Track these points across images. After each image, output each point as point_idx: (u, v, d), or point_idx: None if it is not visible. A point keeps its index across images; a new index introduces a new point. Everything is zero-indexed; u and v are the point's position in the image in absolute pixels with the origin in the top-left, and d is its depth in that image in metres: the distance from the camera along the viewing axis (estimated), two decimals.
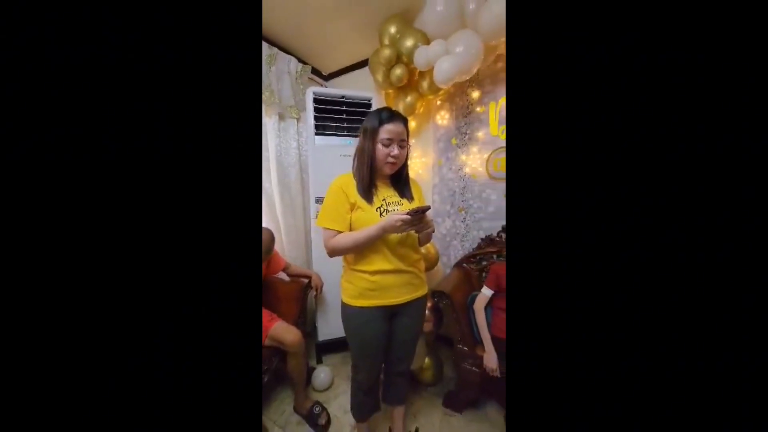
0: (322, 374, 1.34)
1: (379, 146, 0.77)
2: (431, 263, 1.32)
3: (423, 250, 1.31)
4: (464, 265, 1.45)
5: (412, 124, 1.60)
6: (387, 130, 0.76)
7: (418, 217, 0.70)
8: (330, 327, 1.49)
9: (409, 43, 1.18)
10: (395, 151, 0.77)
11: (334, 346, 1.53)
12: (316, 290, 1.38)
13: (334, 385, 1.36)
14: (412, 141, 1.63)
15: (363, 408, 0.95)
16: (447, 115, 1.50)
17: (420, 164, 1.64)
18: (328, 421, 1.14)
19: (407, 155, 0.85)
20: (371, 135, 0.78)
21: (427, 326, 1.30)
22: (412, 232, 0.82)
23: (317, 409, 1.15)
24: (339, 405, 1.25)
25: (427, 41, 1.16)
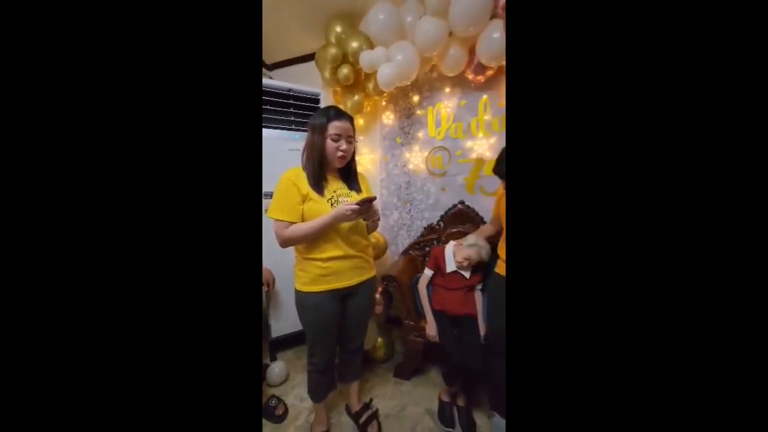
0: (276, 369, 1.34)
1: (329, 141, 0.83)
2: (380, 251, 1.44)
3: (372, 239, 1.43)
4: (410, 252, 1.62)
5: (360, 122, 1.68)
6: (335, 126, 0.83)
7: (366, 207, 0.79)
8: (282, 323, 1.48)
9: (354, 44, 1.25)
10: (344, 145, 0.84)
11: (288, 342, 1.53)
12: (268, 286, 1.36)
13: (289, 378, 1.37)
14: (360, 138, 1.71)
15: (320, 389, 1.01)
16: (392, 116, 1.63)
17: (368, 160, 1.73)
18: (286, 411, 1.16)
19: (354, 150, 0.93)
20: (320, 131, 0.83)
21: (378, 309, 1.42)
22: (361, 220, 0.91)
23: (273, 401, 1.16)
24: (296, 395, 1.27)
25: (371, 45, 1.25)
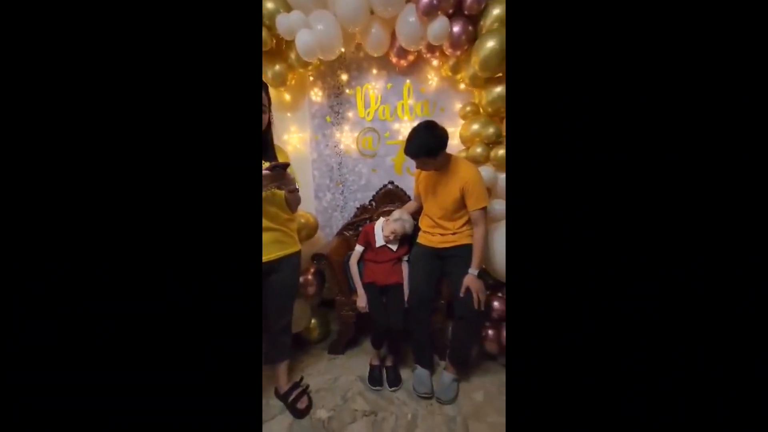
0: None
1: None
2: (311, 230, 1.41)
3: (302, 219, 1.39)
4: (344, 233, 1.64)
5: (287, 97, 1.58)
6: None
7: (279, 173, 0.76)
8: None
9: (270, 5, 1.16)
10: None
11: None
12: None
13: None
14: (287, 115, 1.61)
15: None
16: (320, 93, 1.58)
17: (298, 139, 1.65)
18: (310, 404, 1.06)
19: (270, 121, 0.87)
20: None
21: (311, 290, 1.40)
22: (278, 192, 0.87)
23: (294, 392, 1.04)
24: None
25: (288, 9, 1.18)
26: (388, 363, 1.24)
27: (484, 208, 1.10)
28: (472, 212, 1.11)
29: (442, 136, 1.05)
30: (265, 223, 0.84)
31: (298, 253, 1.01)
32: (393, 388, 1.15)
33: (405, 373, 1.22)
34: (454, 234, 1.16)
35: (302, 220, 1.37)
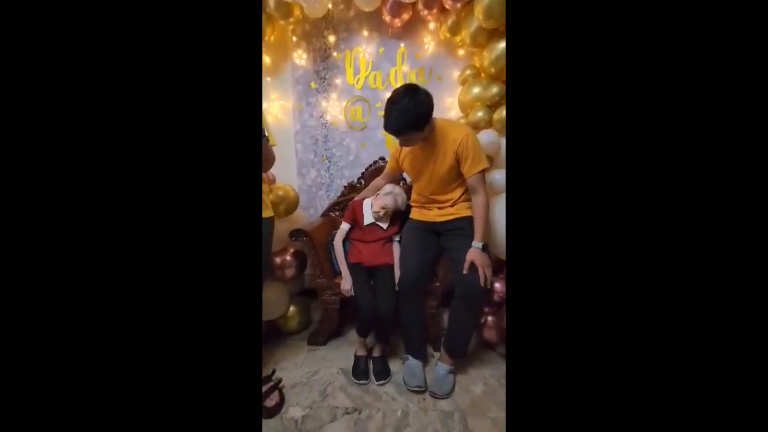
0: None
1: None
2: (290, 205, 1.24)
3: (279, 191, 1.22)
4: (330, 213, 1.48)
5: (266, 59, 1.41)
6: None
7: None
8: None
9: None
10: None
11: None
12: None
13: None
14: (267, 79, 1.45)
15: None
16: (305, 56, 1.43)
17: (279, 108, 1.49)
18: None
19: None
20: None
21: (289, 272, 1.24)
22: None
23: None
24: None
25: None
26: (376, 353, 1.09)
27: (483, 172, 0.95)
28: (469, 178, 0.95)
29: (427, 102, 0.86)
30: None
31: (270, 220, 0.85)
32: (380, 382, 1.00)
33: (394, 366, 1.08)
34: (452, 206, 1.03)
35: (280, 193, 1.20)
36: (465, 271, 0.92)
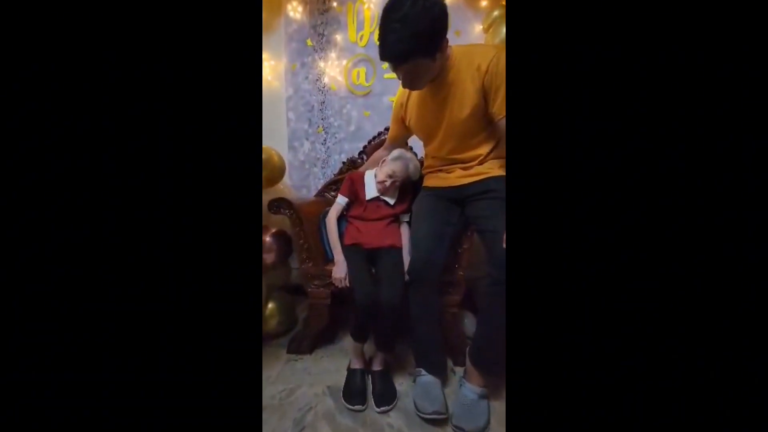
0: None
1: None
2: (274, 172, 0.99)
3: (264, 154, 0.98)
4: (326, 194, 1.24)
5: None
6: None
7: None
8: None
9: None
10: None
11: None
12: None
13: None
14: None
15: None
16: (300, 8, 1.23)
17: (269, 69, 1.28)
18: None
19: None
20: None
21: (269, 257, 0.98)
22: None
23: None
24: None
25: None
26: (376, 366, 0.80)
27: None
28: (501, 121, 0.67)
29: (440, 6, 0.60)
30: None
31: None
32: (382, 408, 0.71)
33: (402, 384, 0.78)
34: (480, 164, 0.76)
35: (264, 155, 0.96)
36: (504, 245, 0.64)
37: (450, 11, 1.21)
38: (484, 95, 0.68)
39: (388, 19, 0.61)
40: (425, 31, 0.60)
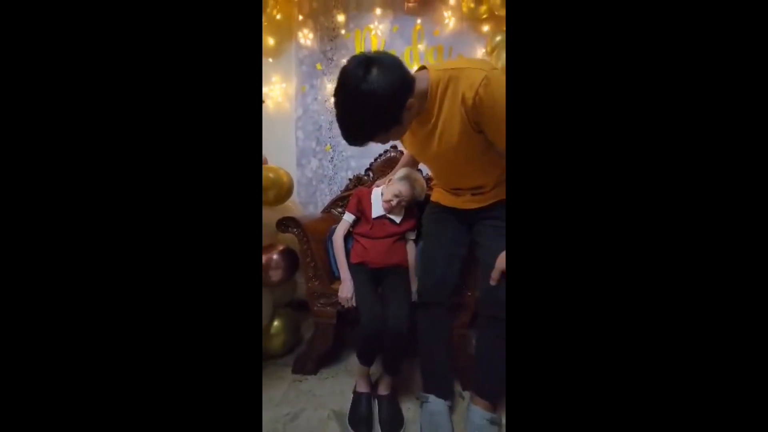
0: None
1: None
2: (282, 191, 1.01)
3: (270, 174, 1.01)
4: (332, 210, 1.26)
5: (269, 40, 1.29)
6: None
7: None
8: None
9: None
10: None
11: None
12: None
13: None
14: (268, 60, 1.32)
15: None
16: (311, 35, 1.30)
17: (280, 91, 1.34)
18: None
19: None
20: None
21: (275, 275, 0.98)
22: None
23: None
24: None
25: None
26: (383, 391, 0.78)
27: None
28: (502, 149, 0.60)
29: (391, 84, 0.52)
30: None
31: None
32: None
33: (409, 410, 0.76)
34: (493, 189, 0.73)
35: (270, 175, 0.99)
36: (493, 282, 0.63)
37: (453, 36, 1.27)
38: (475, 125, 0.59)
39: (342, 98, 0.54)
40: (385, 107, 0.53)
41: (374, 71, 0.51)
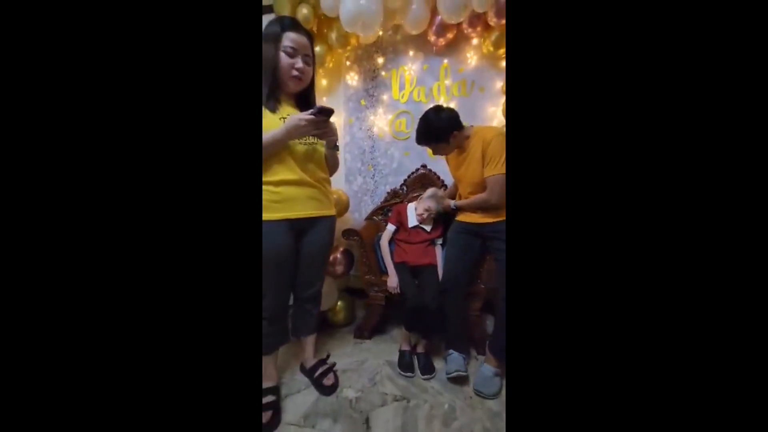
0: None
1: (282, 55, 0.77)
2: (342, 207, 1.38)
3: (334, 194, 1.37)
4: (374, 218, 1.60)
5: (323, 82, 1.62)
6: (290, 38, 0.76)
7: (323, 119, 0.74)
8: None
9: None
10: (299, 63, 0.78)
11: None
12: None
13: None
14: (323, 99, 1.65)
15: (270, 340, 0.91)
16: (356, 77, 1.60)
17: None
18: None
19: (314, 77, 0.87)
20: (273, 41, 0.76)
21: (339, 269, 1.36)
22: (319, 147, 0.85)
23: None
24: None
25: None
26: (420, 349, 1.14)
27: (504, 177, 0.98)
28: (489, 178, 1.00)
29: (447, 118, 1.03)
30: (301, 175, 0.81)
31: (333, 219, 0.98)
32: (426, 376, 1.05)
33: (438, 365, 1.11)
34: (498, 208, 1.07)
35: (334, 196, 1.35)
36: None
37: (475, 72, 1.49)
38: (483, 160, 1.03)
39: (418, 127, 1.09)
40: (434, 130, 1.05)
41: (444, 110, 1.06)
